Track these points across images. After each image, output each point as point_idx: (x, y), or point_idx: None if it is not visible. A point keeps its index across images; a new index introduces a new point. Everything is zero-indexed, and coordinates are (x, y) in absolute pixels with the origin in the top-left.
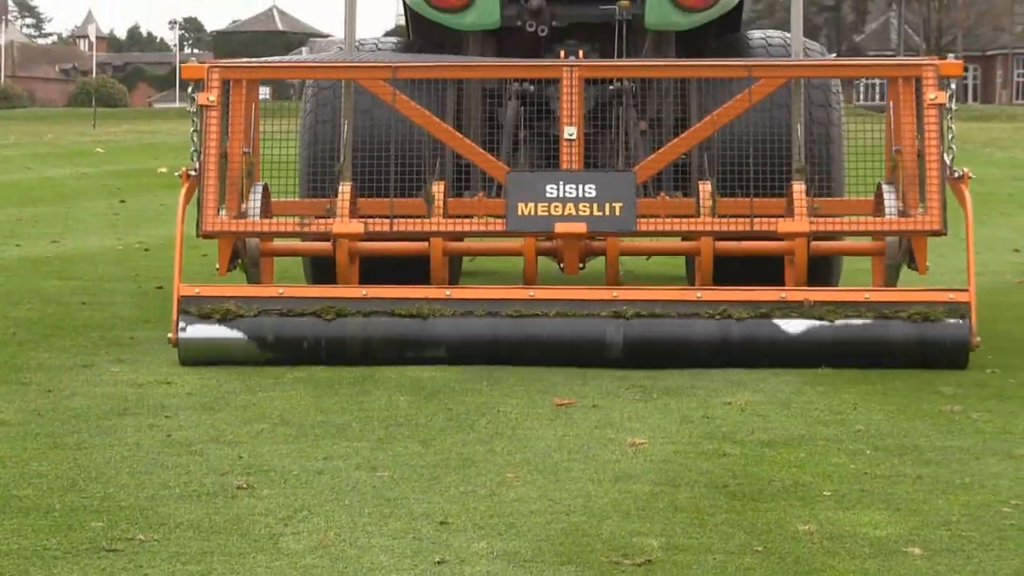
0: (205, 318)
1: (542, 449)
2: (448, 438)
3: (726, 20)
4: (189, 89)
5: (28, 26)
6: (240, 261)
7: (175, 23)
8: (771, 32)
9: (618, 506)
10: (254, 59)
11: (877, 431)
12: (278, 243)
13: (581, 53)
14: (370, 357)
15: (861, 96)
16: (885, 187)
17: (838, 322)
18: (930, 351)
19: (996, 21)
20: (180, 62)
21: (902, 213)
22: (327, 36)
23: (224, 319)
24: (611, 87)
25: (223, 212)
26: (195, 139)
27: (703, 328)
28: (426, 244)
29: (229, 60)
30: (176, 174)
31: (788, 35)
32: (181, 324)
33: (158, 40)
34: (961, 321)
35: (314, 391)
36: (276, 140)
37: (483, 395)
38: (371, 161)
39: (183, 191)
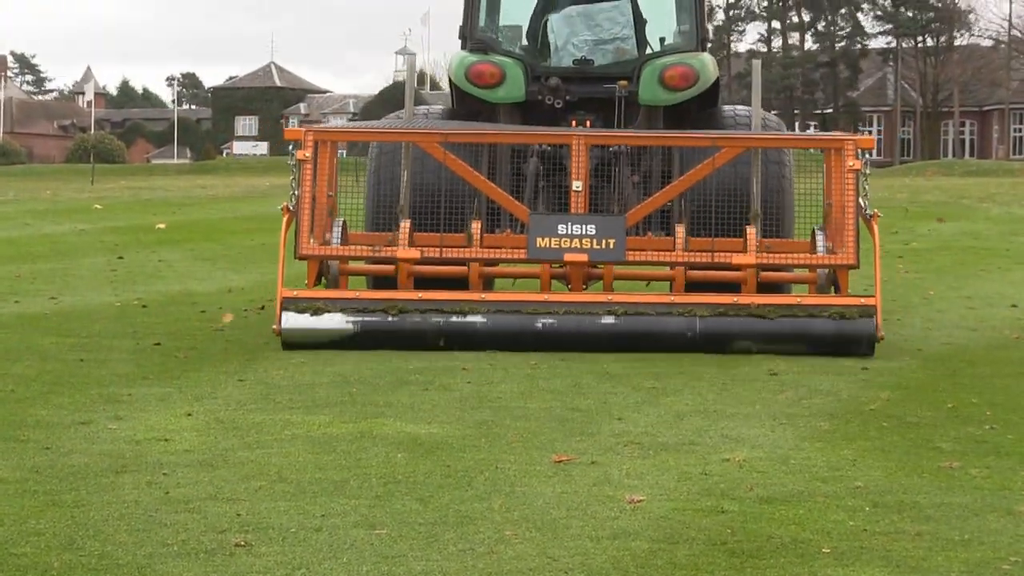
0: (301, 313)
1: (540, 506)
2: (446, 495)
3: (705, 96)
4: (290, 148)
5: (28, 83)
6: (326, 278)
7: (173, 80)
8: (739, 108)
9: (617, 563)
10: (338, 125)
11: (876, 487)
12: (352, 264)
13: (589, 123)
14: (425, 343)
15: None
16: (817, 231)
17: (777, 318)
18: (846, 341)
19: (993, 76)
20: (178, 118)
21: (830, 251)
22: (325, 92)
23: (315, 313)
24: (611, 149)
25: (313, 240)
26: (293, 185)
27: (675, 323)
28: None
29: (320, 126)
30: (279, 207)
31: (762, 111)
32: (284, 317)
33: (154, 96)
34: (870, 319)
35: (312, 448)
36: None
37: (481, 451)
38: (423, 204)
39: (284, 220)
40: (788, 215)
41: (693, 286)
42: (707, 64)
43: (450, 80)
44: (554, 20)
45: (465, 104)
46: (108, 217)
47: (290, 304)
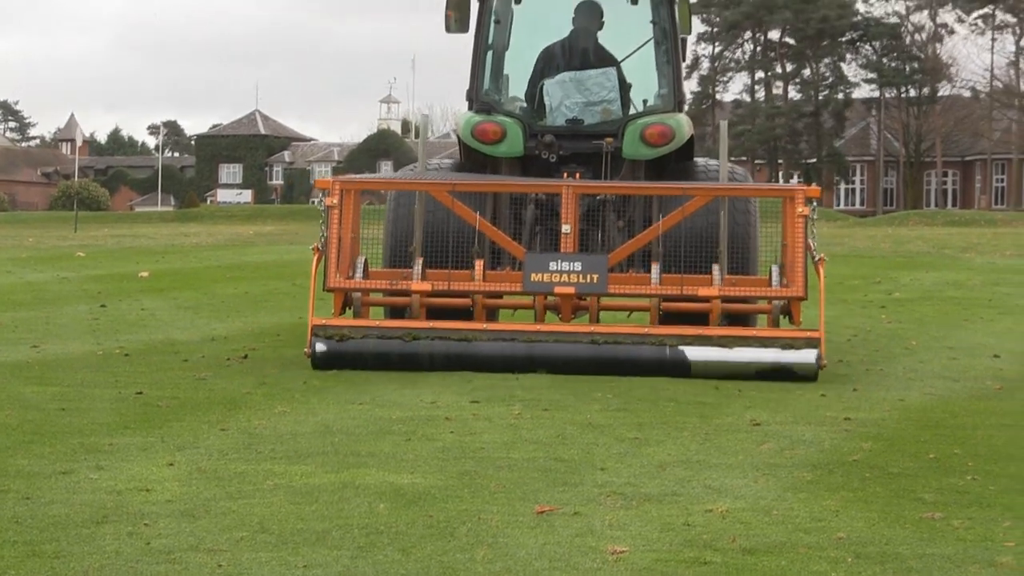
0: (329, 339)
1: (523, 557)
2: (428, 546)
3: (681, 151)
4: (321, 195)
5: (11, 129)
6: (350, 307)
7: (157, 128)
8: (711, 160)
9: None
10: (362, 175)
11: (858, 538)
12: (372, 296)
13: (579, 174)
14: (435, 366)
15: (841, 201)
16: (774, 268)
17: (735, 348)
18: (792, 369)
19: (975, 127)
20: (162, 165)
21: (785, 285)
22: (310, 140)
23: (341, 339)
24: (598, 197)
25: (339, 275)
26: (323, 228)
27: (647, 350)
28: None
29: (347, 176)
30: (311, 247)
31: (729, 164)
32: (314, 342)
33: (140, 144)
34: (814, 349)
35: (294, 498)
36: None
37: (464, 502)
38: (434, 245)
39: (314, 259)
40: (753, 255)
41: (673, 316)
42: (683, 124)
43: (458, 137)
44: (549, 85)
45: (471, 158)
46: (91, 265)
47: (319, 331)
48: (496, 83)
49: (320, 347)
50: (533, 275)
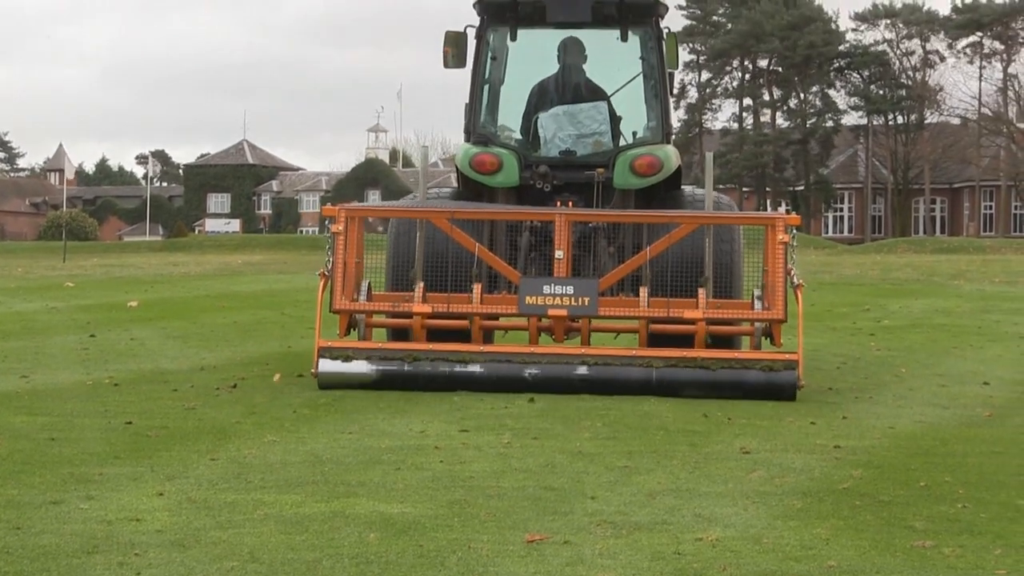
0: (334, 359)
1: None
2: (419, 575)
3: (669, 181)
4: (326, 222)
5: (0, 160)
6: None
7: (146, 157)
8: (697, 189)
9: None
10: (365, 203)
11: (849, 567)
12: (376, 318)
13: (572, 203)
14: (433, 386)
15: (829, 229)
16: (756, 292)
17: (718, 369)
18: (773, 388)
19: (963, 154)
20: (150, 195)
21: (766, 309)
22: (298, 169)
23: (346, 360)
24: (590, 224)
25: (344, 297)
26: (328, 253)
27: (636, 371)
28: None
29: (351, 204)
30: (317, 273)
31: (714, 193)
32: (320, 363)
33: (129, 173)
34: (792, 371)
35: (284, 527)
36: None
37: (454, 531)
38: (434, 269)
39: (320, 284)
40: (737, 280)
41: (660, 338)
42: (671, 155)
43: (456, 167)
44: (543, 118)
45: (469, 187)
46: (80, 295)
47: (325, 352)
48: (492, 116)
49: (325, 367)
50: (528, 298)
